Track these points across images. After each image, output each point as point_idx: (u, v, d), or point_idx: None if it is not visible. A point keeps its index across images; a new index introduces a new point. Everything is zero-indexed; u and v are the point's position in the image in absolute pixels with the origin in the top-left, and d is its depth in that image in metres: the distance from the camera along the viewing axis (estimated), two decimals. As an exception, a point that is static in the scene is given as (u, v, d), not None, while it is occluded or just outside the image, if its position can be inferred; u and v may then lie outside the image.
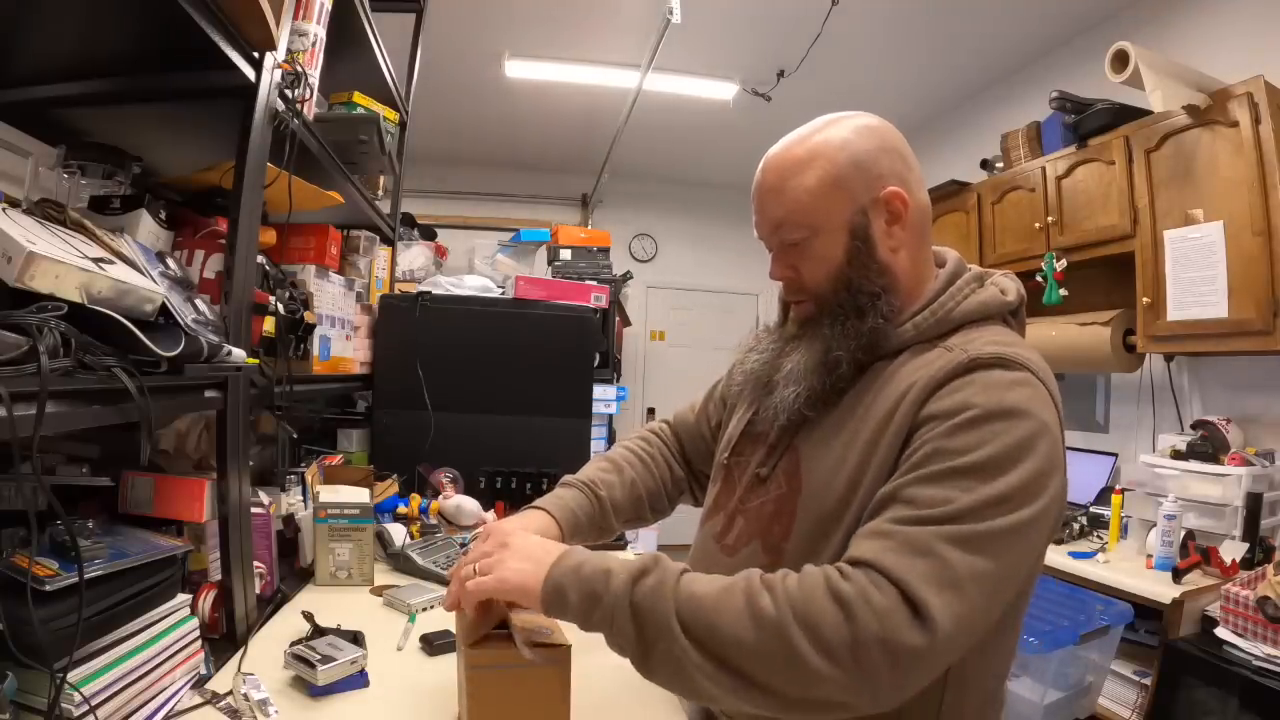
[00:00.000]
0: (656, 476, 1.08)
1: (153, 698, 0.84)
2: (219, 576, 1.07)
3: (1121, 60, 2.09)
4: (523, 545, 0.78)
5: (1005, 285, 0.85)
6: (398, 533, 1.58)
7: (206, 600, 1.02)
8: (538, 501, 0.97)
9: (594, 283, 2.68)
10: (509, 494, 1.96)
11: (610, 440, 3.55)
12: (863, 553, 0.66)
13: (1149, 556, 1.97)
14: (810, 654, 0.61)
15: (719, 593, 0.67)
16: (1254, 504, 1.90)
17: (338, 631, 1.03)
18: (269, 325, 1.33)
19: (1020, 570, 0.68)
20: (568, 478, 1.03)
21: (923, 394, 0.73)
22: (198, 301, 0.98)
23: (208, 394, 1.01)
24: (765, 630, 0.63)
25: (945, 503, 0.65)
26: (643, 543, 3.61)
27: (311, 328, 1.53)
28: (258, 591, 1.16)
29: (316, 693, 0.92)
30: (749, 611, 0.64)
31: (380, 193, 2.22)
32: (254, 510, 1.18)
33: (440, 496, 1.80)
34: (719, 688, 0.65)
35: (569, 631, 0.76)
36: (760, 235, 0.88)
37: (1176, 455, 2.13)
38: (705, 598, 0.66)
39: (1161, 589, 1.78)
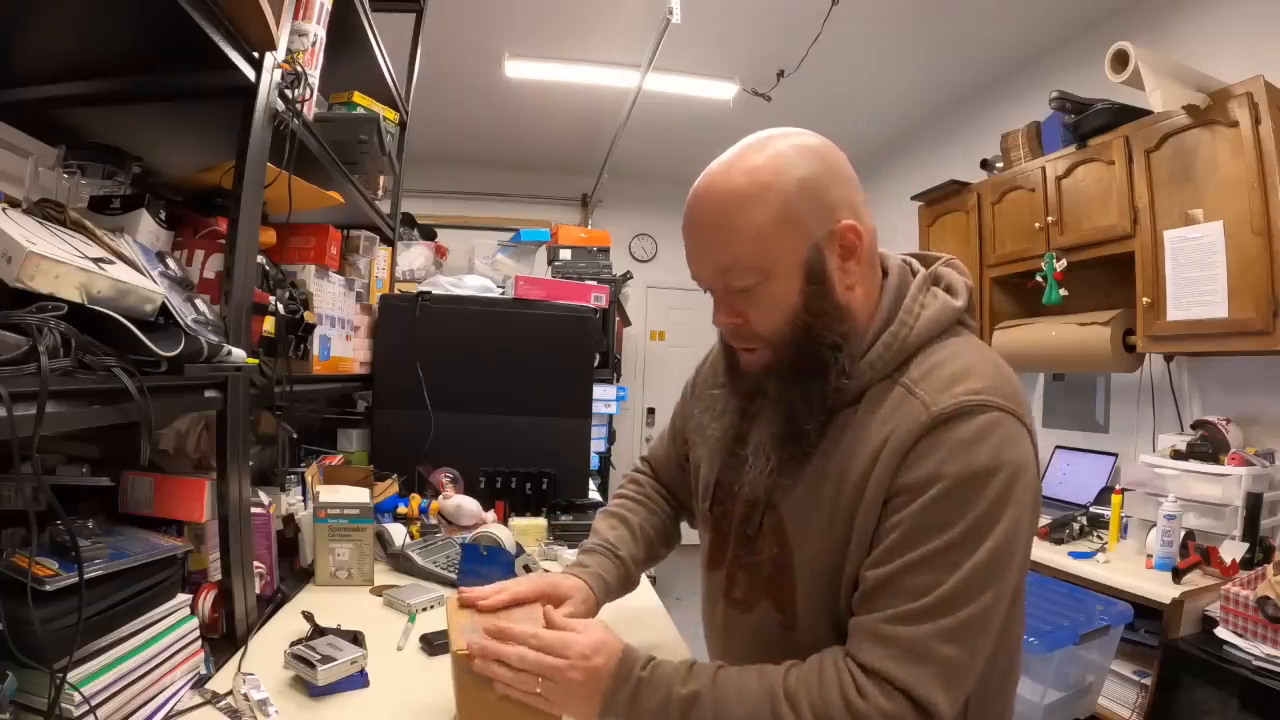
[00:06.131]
0: (658, 512, 1.10)
1: (153, 698, 0.84)
2: (219, 576, 1.07)
3: (1121, 60, 2.09)
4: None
5: (953, 283, 0.81)
6: (398, 533, 1.58)
7: (206, 600, 1.02)
8: (570, 568, 0.97)
9: (594, 283, 2.68)
10: (509, 494, 1.96)
11: (610, 440, 3.55)
12: (869, 660, 0.68)
13: (1149, 556, 1.97)
14: None
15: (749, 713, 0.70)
16: (1254, 504, 1.91)
17: (338, 631, 1.03)
18: (269, 325, 1.33)
19: (1006, 599, 0.70)
20: (586, 543, 1.04)
21: (894, 459, 0.70)
22: (198, 301, 0.98)
23: (208, 394, 1.01)
24: None
25: (934, 587, 0.67)
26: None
27: (311, 328, 1.53)
28: (258, 591, 1.16)
29: (316, 693, 0.92)
30: None
31: (380, 193, 2.22)
32: (254, 510, 1.18)
33: (440, 496, 1.80)
34: None
35: None
36: (699, 277, 0.78)
37: (1176, 455, 2.13)
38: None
39: (1161, 589, 1.78)
